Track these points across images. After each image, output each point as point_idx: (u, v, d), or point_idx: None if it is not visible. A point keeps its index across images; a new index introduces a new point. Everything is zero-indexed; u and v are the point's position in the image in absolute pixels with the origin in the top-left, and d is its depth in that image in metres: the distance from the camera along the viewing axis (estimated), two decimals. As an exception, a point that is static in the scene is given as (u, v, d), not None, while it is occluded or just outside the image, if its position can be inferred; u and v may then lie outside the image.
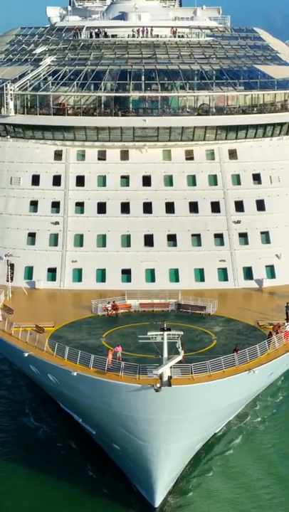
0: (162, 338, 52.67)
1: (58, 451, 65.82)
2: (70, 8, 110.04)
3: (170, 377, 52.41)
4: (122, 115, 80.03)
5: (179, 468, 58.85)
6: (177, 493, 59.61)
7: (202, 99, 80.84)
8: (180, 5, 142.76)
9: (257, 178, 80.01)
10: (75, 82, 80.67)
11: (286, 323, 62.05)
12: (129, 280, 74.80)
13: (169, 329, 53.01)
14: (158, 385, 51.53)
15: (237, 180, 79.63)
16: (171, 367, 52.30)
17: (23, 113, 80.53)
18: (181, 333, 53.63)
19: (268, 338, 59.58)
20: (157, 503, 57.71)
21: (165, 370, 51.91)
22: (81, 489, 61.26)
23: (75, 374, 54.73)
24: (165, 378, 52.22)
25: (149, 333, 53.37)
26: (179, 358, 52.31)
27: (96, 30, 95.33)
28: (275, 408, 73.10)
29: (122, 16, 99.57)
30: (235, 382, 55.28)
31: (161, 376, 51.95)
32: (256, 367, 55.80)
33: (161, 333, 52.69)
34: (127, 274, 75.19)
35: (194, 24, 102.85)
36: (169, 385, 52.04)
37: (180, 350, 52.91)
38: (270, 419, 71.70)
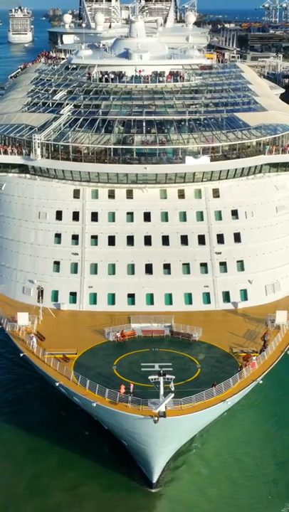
0: (159, 380, 61.65)
1: (81, 432, 73.25)
2: (83, 46, 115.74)
3: (165, 410, 61.32)
4: (128, 159, 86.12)
5: (172, 455, 68.00)
6: (170, 470, 68.04)
7: (192, 147, 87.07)
8: (176, 8, 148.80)
9: (235, 213, 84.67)
10: (90, 134, 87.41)
11: (254, 358, 69.44)
12: (133, 303, 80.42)
13: (164, 374, 61.86)
14: (156, 418, 61.04)
15: (219, 215, 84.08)
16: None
17: (48, 157, 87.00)
18: (174, 377, 62.44)
19: (239, 370, 68.04)
20: (155, 479, 67.58)
21: (161, 407, 61.40)
22: (97, 464, 69.64)
23: (94, 405, 64.12)
24: (162, 410, 61.18)
25: (150, 377, 62.20)
26: (172, 396, 61.39)
27: (106, 75, 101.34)
28: (255, 393, 75.42)
29: (126, 54, 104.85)
30: (214, 410, 64.89)
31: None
32: (230, 397, 64.89)
33: (159, 377, 61.58)
34: (131, 297, 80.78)
35: (186, 62, 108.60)
36: (164, 416, 61.21)
37: (172, 388, 62.20)
38: (250, 402, 76.81)
